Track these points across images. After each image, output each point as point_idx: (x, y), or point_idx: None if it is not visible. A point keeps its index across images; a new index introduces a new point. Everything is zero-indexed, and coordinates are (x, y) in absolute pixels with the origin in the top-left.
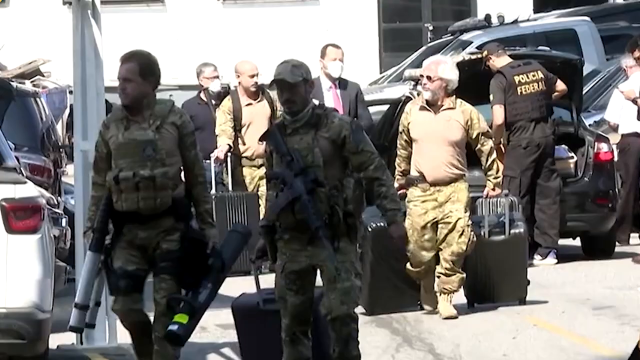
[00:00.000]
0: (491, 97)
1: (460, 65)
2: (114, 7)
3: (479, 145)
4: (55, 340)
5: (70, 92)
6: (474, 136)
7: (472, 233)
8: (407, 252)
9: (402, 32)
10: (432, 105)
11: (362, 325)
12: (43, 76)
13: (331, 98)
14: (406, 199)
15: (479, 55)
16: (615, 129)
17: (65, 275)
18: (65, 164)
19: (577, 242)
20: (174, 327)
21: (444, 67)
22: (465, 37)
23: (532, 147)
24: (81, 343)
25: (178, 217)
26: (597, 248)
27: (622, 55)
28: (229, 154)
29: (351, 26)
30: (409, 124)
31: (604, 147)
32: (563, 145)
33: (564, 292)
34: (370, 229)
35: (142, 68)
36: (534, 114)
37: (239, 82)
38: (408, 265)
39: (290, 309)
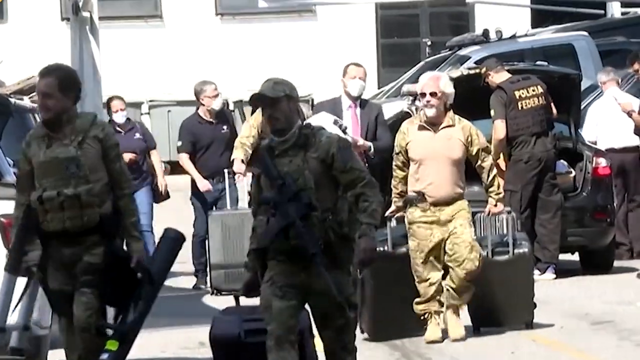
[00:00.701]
0: (492, 112)
1: (458, 81)
2: (112, 22)
3: (479, 162)
4: (54, 357)
5: None
6: (474, 152)
7: (479, 248)
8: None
9: (400, 47)
10: (432, 124)
11: (361, 339)
12: None
13: (350, 117)
14: (406, 221)
15: (477, 71)
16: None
17: None
18: None
19: (575, 257)
20: (104, 356)
21: (444, 81)
22: (463, 52)
23: (533, 161)
24: None
25: (104, 234)
26: (596, 263)
27: (620, 69)
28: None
29: (349, 41)
30: (407, 144)
31: (602, 162)
32: (561, 160)
33: (563, 307)
34: None
35: (61, 82)
36: (535, 128)
37: None
38: (416, 301)
39: (276, 314)
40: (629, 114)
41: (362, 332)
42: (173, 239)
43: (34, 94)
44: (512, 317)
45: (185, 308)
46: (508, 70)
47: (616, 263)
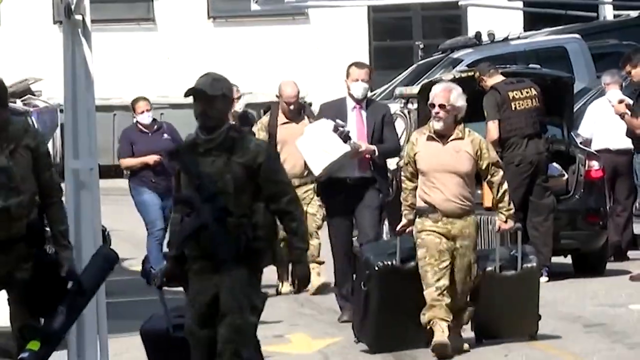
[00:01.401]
0: (485, 113)
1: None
2: (104, 25)
3: (489, 177)
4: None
5: (61, 110)
6: (483, 167)
7: (478, 268)
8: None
9: (393, 50)
10: (440, 136)
11: (358, 350)
12: (34, 95)
13: (354, 118)
14: (415, 230)
15: (470, 74)
16: (587, 144)
17: None
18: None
19: (568, 259)
20: (24, 355)
21: (456, 94)
22: (456, 55)
23: (525, 164)
24: None
25: (31, 243)
26: (589, 266)
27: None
28: None
29: (341, 44)
30: (415, 154)
31: (595, 164)
32: (554, 163)
33: (555, 310)
34: (377, 268)
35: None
36: (527, 130)
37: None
38: (423, 311)
39: (201, 344)
40: (622, 116)
41: (358, 341)
42: (104, 256)
43: (26, 96)
44: (517, 330)
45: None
46: (502, 73)
47: (609, 266)
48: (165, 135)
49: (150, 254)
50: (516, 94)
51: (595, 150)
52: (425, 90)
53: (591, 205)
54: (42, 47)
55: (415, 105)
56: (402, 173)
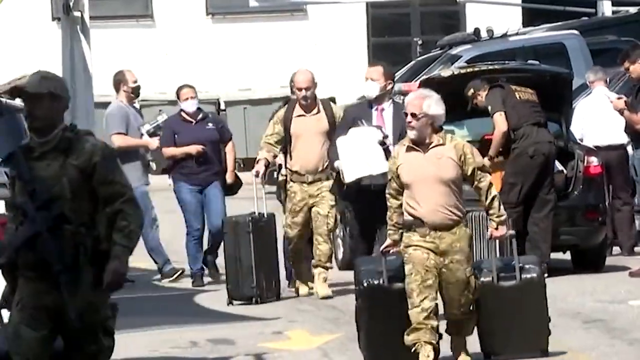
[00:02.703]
0: (489, 108)
1: (449, 80)
2: (103, 22)
3: (476, 182)
4: None
5: None
6: (469, 172)
7: (475, 280)
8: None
9: (391, 46)
10: (419, 144)
11: (354, 341)
12: None
13: (375, 119)
14: (402, 245)
15: (469, 70)
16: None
17: None
18: None
19: (567, 255)
20: None
21: (429, 102)
22: (455, 51)
23: (538, 155)
24: None
25: None
26: (587, 262)
27: (610, 68)
28: (283, 168)
29: (340, 41)
30: (397, 168)
31: (593, 160)
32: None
33: (554, 306)
34: (364, 286)
35: None
36: (535, 117)
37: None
38: (407, 331)
39: (26, 346)
40: (621, 112)
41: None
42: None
43: None
44: (525, 345)
45: (175, 308)
46: (499, 69)
47: (608, 261)
48: (210, 125)
49: (188, 254)
50: (516, 87)
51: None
52: (424, 86)
53: (590, 201)
54: (41, 43)
55: None
56: (387, 190)
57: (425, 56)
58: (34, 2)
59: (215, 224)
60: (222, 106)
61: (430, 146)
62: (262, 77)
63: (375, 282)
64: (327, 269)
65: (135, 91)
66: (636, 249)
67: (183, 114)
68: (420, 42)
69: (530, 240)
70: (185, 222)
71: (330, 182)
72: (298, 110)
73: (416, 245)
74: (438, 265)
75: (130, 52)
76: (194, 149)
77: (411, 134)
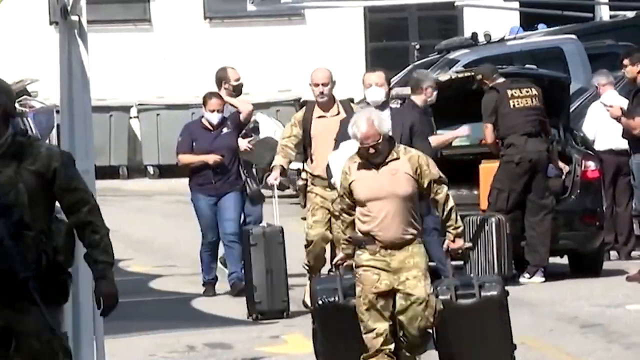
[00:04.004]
0: (483, 114)
1: (447, 84)
2: (101, 26)
3: (432, 195)
4: None
5: (57, 111)
6: (425, 185)
7: (437, 300)
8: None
9: (389, 50)
10: (374, 161)
11: None
12: (30, 96)
13: None
14: (354, 265)
15: (467, 74)
16: (590, 145)
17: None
18: None
19: (564, 260)
20: None
21: (378, 121)
22: (452, 55)
23: (524, 162)
24: None
25: None
26: (585, 266)
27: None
28: (303, 172)
29: (338, 45)
30: (350, 184)
31: (591, 165)
32: (550, 165)
33: (552, 310)
34: (319, 304)
35: None
36: (526, 128)
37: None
38: (363, 356)
39: None
40: (618, 120)
41: None
42: None
43: (23, 97)
44: None
45: (173, 312)
46: (513, 75)
47: (605, 266)
48: (225, 130)
49: (201, 263)
50: (515, 92)
51: (598, 151)
52: None
53: (587, 205)
54: (38, 48)
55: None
56: (339, 206)
57: (423, 60)
58: (32, 6)
59: (228, 232)
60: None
61: (385, 161)
62: (260, 81)
63: (330, 299)
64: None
65: (237, 89)
66: (633, 253)
67: (204, 121)
68: (417, 46)
69: (529, 245)
70: (201, 231)
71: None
72: (318, 111)
73: (366, 266)
74: (392, 283)
75: (128, 57)
76: (211, 158)
77: (374, 159)
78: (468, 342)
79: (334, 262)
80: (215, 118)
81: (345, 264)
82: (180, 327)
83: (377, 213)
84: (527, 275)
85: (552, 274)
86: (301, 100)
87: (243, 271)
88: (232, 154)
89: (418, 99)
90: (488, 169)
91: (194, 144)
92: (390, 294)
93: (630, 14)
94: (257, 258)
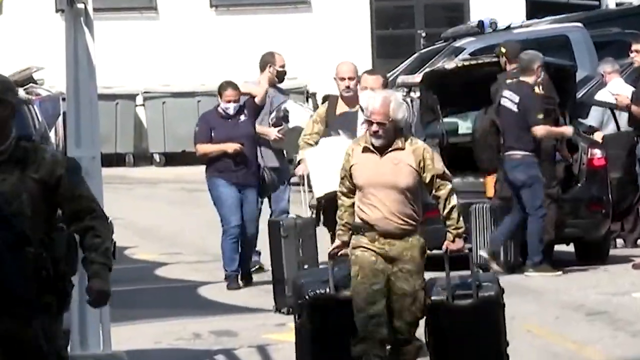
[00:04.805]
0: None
1: (453, 72)
2: (107, 14)
3: (434, 191)
4: None
5: (64, 99)
6: (427, 180)
7: (425, 296)
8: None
9: (395, 38)
10: (378, 147)
11: None
12: (36, 84)
13: (360, 129)
14: (350, 247)
15: (473, 62)
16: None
17: None
18: None
19: (570, 247)
20: None
21: (395, 105)
22: (458, 43)
23: None
24: None
25: None
26: (591, 254)
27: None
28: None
29: (344, 33)
30: (351, 167)
31: (597, 153)
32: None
33: (558, 298)
34: (308, 297)
35: None
36: None
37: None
38: (354, 341)
39: None
40: (627, 108)
41: None
42: None
43: (29, 85)
44: None
45: (179, 299)
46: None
47: (611, 253)
48: (243, 118)
49: (224, 254)
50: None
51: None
52: (428, 79)
53: (593, 193)
54: (44, 35)
55: (418, 94)
56: (339, 188)
57: (429, 48)
58: None
59: (248, 229)
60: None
61: (389, 149)
62: None
63: (320, 291)
64: None
65: (281, 75)
66: (639, 241)
67: (220, 110)
68: (424, 34)
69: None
70: (220, 219)
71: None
72: (341, 106)
73: (364, 248)
74: (386, 271)
75: (134, 44)
76: (231, 147)
77: (377, 142)
78: (463, 342)
79: (329, 252)
80: (232, 109)
81: (341, 252)
82: (186, 314)
83: (376, 202)
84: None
85: (558, 262)
86: (323, 95)
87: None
88: (251, 142)
89: (530, 79)
90: None
91: (212, 133)
92: (384, 276)
93: (636, 2)
94: (289, 250)
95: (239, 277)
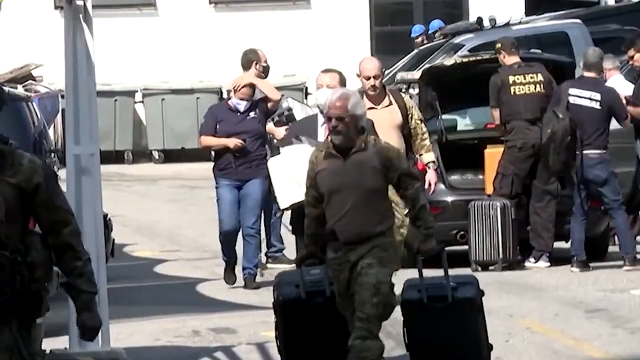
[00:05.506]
0: (490, 97)
1: (452, 69)
2: (106, 11)
3: (402, 190)
4: (48, 345)
5: (62, 96)
6: (394, 180)
7: (391, 293)
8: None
9: (394, 35)
10: (341, 151)
11: None
12: (35, 80)
13: (324, 136)
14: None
15: (472, 59)
16: None
17: (58, 280)
18: (58, 168)
19: (569, 244)
20: None
21: (354, 101)
22: (457, 40)
23: (527, 148)
24: None
25: None
26: (590, 250)
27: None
28: None
29: (343, 29)
30: (316, 175)
31: None
32: None
33: (557, 295)
34: (281, 297)
35: None
36: (526, 114)
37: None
38: None
39: None
40: (627, 103)
41: None
42: None
43: (27, 82)
44: None
45: (178, 297)
46: (522, 58)
47: (610, 250)
48: (252, 114)
49: (222, 248)
50: (517, 79)
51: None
52: (427, 75)
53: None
54: (44, 32)
55: (417, 91)
56: (305, 198)
57: (428, 45)
58: None
59: (247, 224)
60: (225, 95)
61: (351, 152)
62: None
63: (293, 295)
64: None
65: (266, 71)
66: (639, 238)
67: (230, 103)
68: None
69: (533, 230)
70: (219, 221)
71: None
72: (367, 102)
73: (332, 263)
74: (350, 276)
75: (133, 41)
76: (232, 142)
77: (337, 139)
78: (441, 345)
79: (294, 261)
80: (243, 106)
81: (308, 262)
82: (185, 311)
83: (339, 207)
84: (532, 260)
85: (557, 259)
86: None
87: (258, 267)
88: (256, 139)
89: (597, 75)
90: (493, 154)
91: (218, 125)
92: (349, 287)
93: None
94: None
95: (255, 277)
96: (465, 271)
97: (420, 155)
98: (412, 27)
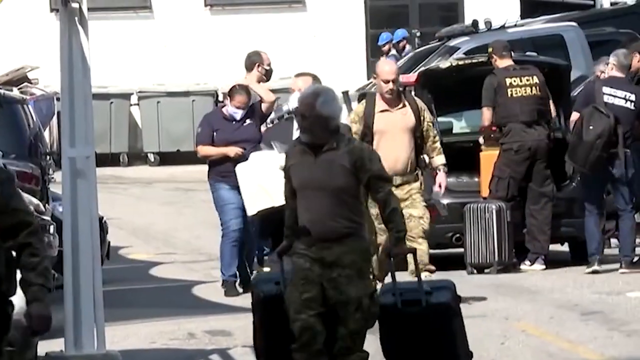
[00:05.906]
0: (482, 98)
1: (448, 71)
2: (101, 13)
3: (372, 193)
4: (44, 347)
5: (58, 99)
6: (364, 181)
7: (373, 302)
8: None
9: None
10: (312, 147)
11: None
12: (31, 83)
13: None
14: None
15: (467, 61)
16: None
17: (54, 282)
18: (53, 171)
19: (565, 247)
20: None
21: (324, 99)
22: (453, 42)
23: (523, 150)
24: None
25: None
26: (586, 253)
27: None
28: None
29: (338, 32)
30: (289, 168)
31: None
32: None
33: (553, 297)
34: (262, 294)
35: None
36: (522, 117)
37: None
38: (293, 347)
39: None
40: None
41: None
42: None
43: (23, 84)
44: None
45: (173, 299)
46: (518, 61)
47: (606, 253)
48: (248, 121)
49: (222, 258)
50: (514, 81)
51: None
52: (422, 78)
53: None
54: (39, 35)
55: (413, 93)
56: (284, 191)
57: (424, 48)
58: None
59: (250, 230)
60: (220, 98)
61: (323, 150)
62: None
63: (273, 291)
64: (432, 271)
65: (269, 74)
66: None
67: (225, 111)
68: (418, 33)
69: (529, 233)
70: (221, 223)
71: (419, 183)
72: (380, 104)
73: (300, 254)
74: (323, 277)
75: (128, 44)
76: (231, 151)
77: (303, 136)
78: (415, 350)
79: (277, 250)
80: (239, 114)
81: (289, 252)
82: (180, 314)
83: (309, 204)
84: (527, 262)
85: (553, 262)
86: (360, 94)
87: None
88: (254, 146)
89: (623, 75)
90: (488, 157)
91: (214, 134)
92: (320, 286)
93: (630, 1)
94: None
95: (237, 283)
96: (461, 274)
97: (432, 157)
98: (380, 35)
